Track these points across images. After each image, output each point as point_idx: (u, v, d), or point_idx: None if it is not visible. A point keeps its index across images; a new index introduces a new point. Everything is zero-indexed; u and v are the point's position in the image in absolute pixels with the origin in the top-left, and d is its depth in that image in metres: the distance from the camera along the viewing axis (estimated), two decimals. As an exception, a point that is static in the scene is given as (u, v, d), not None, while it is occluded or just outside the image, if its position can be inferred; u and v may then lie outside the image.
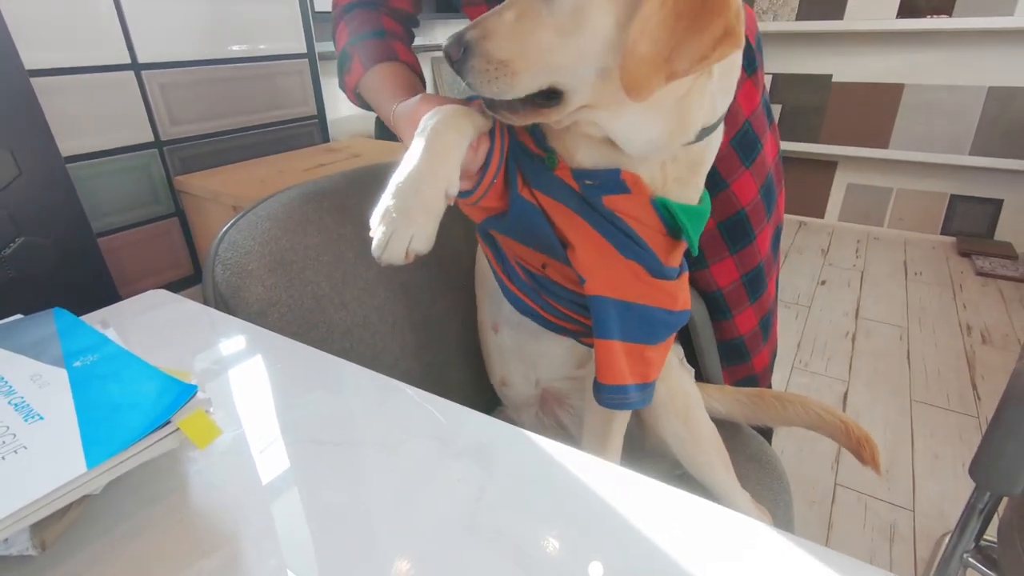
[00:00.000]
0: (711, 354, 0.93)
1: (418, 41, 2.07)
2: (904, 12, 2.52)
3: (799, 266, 2.49)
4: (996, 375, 1.73)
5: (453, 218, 0.64)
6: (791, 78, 2.86)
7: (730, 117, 0.75)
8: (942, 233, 2.76)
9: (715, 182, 0.80)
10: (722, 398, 0.83)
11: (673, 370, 0.75)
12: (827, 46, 2.75)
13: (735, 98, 0.68)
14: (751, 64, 0.77)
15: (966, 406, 1.60)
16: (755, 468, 0.80)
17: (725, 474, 0.70)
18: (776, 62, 2.88)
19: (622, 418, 0.68)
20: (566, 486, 0.35)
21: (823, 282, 2.34)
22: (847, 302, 2.18)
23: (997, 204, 2.64)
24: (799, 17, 2.72)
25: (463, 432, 0.39)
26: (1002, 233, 2.65)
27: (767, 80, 2.82)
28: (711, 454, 0.70)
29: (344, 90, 0.76)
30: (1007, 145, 2.50)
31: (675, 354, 0.80)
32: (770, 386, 1.06)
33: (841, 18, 2.63)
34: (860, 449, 0.75)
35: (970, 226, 2.70)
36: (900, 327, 2.00)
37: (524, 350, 0.73)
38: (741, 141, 0.81)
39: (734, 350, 0.95)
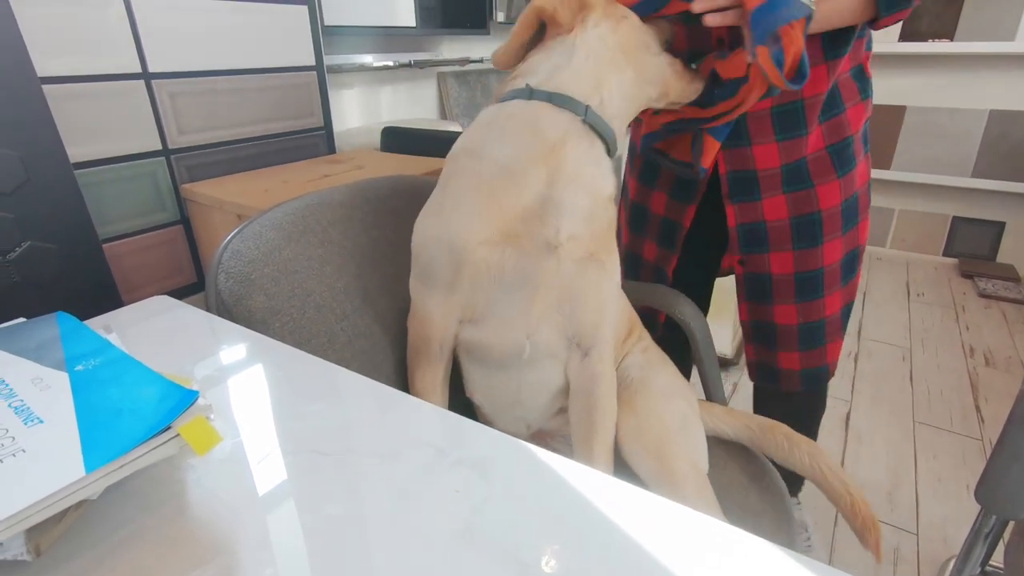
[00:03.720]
0: (713, 373, 0.93)
1: (424, 56, 2.09)
2: (906, 36, 2.55)
3: (801, 285, 2.48)
4: (999, 397, 1.72)
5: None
6: (794, 98, 2.88)
7: (836, 128, 0.83)
8: (944, 255, 2.76)
9: (802, 179, 0.85)
10: (731, 421, 0.83)
11: (650, 398, 0.74)
12: (829, 68, 2.77)
13: (844, 111, 0.82)
14: (865, 90, 0.85)
15: (969, 428, 1.59)
16: (757, 489, 0.79)
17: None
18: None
19: (603, 431, 0.67)
20: (566, 498, 0.35)
21: (825, 301, 2.34)
22: (849, 322, 2.18)
23: (999, 226, 2.64)
24: (802, 39, 2.75)
25: (463, 443, 0.39)
26: (1004, 255, 2.65)
27: (770, 100, 2.85)
28: (686, 491, 0.67)
29: None
30: (1009, 168, 2.51)
31: (662, 379, 0.79)
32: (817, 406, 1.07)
33: (843, 41, 2.66)
34: (864, 531, 0.72)
35: (972, 248, 2.70)
36: (903, 348, 1.99)
37: (501, 402, 0.73)
38: (840, 153, 0.84)
39: (766, 333, 0.97)
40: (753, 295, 0.95)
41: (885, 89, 2.68)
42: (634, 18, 0.69)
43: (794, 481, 1.11)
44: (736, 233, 0.91)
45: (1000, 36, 2.38)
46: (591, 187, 0.62)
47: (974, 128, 2.54)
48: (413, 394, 0.62)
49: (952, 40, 2.46)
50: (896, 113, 2.68)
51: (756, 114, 0.81)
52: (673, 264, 1.01)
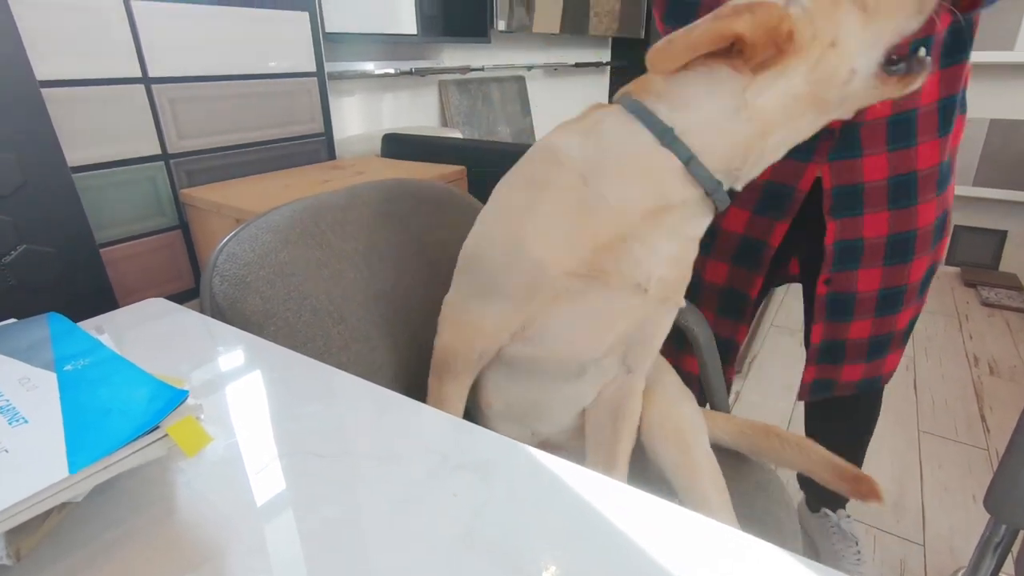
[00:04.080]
0: (717, 380, 0.91)
1: (426, 64, 2.10)
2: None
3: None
4: (1005, 407, 1.70)
5: (464, 232, 0.64)
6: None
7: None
8: (947, 263, 2.75)
9: (908, 194, 0.81)
10: (730, 428, 0.81)
11: (668, 393, 0.74)
12: (829, 77, 2.79)
13: (951, 132, 0.78)
14: (963, 105, 0.81)
15: (975, 438, 1.57)
16: (763, 498, 0.77)
17: (721, 512, 0.68)
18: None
19: (628, 440, 0.67)
20: (568, 502, 0.33)
21: (827, 310, 2.33)
22: (852, 330, 2.17)
23: (1001, 235, 2.63)
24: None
25: (463, 446, 0.38)
26: (1007, 264, 2.64)
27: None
28: (705, 484, 0.67)
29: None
30: (1011, 177, 2.51)
31: (672, 379, 0.78)
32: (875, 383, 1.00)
33: (843, 50, 2.67)
34: (857, 485, 0.72)
35: (975, 257, 2.69)
36: (907, 357, 1.98)
37: (522, 412, 0.71)
38: (944, 170, 0.81)
39: (835, 351, 0.93)
40: (834, 314, 0.90)
41: (885, 98, 2.69)
42: (848, 41, 0.51)
43: (837, 497, 1.05)
44: (832, 251, 0.85)
45: (999, 46, 2.38)
46: (687, 235, 0.58)
47: (975, 137, 2.54)
48: (431, 403, 0.59)
49: (951, 50, 2.47)
50: (896, 122, 2.69)
51: (872, 122, 0.76)
52: (758, 286, 0.92)
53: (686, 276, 0.61)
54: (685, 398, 0.76)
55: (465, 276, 0.63)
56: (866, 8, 0.51)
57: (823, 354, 0.94)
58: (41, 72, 0.84)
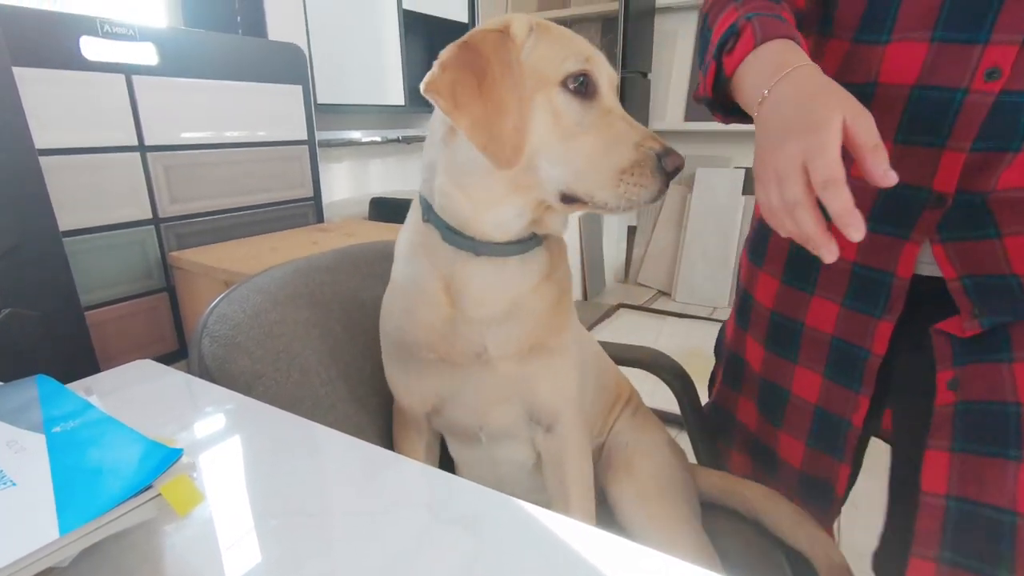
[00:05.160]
0: (703, 434, 0.92)
1: (412, 132, 2.19)
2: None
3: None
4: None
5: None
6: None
7: None
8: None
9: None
10: (723, 486, 0.81)
11: (647, 458, 0.73)
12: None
13: None
14: None
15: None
16: (755, 533, 0.77)
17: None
18: (748, 157, 3.07)
19: (577, 497, 0.66)
20: (558, 553, 0.34)
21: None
22: (833, 385, 2.18)
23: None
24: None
25: (451, 500, 0.38)
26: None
27: (741, 173, 3.00)
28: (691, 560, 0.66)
29: (705, 83, 0.58)
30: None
31: (658, 435, 0.79)
32: None
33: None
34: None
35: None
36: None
37: (478, 473, 0.73)
38: None
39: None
40: (970, 440, 0.54)
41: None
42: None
43: None
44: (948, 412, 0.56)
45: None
46: (507, 291, 0.58)
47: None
48: (396, 452, 0.61)
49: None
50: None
51: (1010, 193, 0.53)
52: (861, 409, 0.66)
53: (548, 321, 0.60)
54: (669, 455, 0.76)
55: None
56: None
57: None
58: (41, 141, 0.87)
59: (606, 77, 0.54)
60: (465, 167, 0.54)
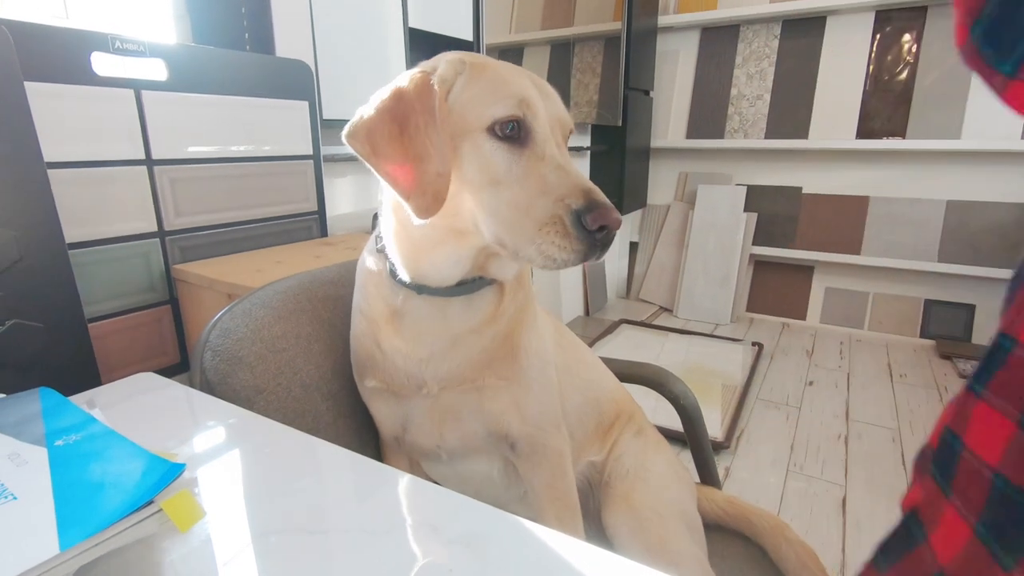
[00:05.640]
0: (706, 453, 0.91)
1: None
2: (862, 134, 2.77)
3: (785, 367, 2.50)
4: (993, 480, 1.69)
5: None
6: (763, 189, 3.06)
7: None
8: (922, 336, 2.82)
9: None
10: (732, 511, 0.81)
11: (649, 490, 0.72)
12: (795, 161, 2.98)
13: None
14: None
15: (967, 513, 1.55)
16: (761, 556, 0.76)
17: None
18: (749, 175, 3.09)
19: (553, 518, 0.66)
20: (562, 574, 0.33)
21: (810, 383, 2.35)
22: (836, 403, 2.17)
23: (971, 309, 2.73)
24: (767, 136, 2.97)
25: (454, 518, 0.38)
26: (979, 337, 2.71)
27: (742, 190, 3.01)
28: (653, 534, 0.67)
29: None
30: (972, 253, 2.64)
31: (662, 460, 0.78)
32: None
33: (806, 137, 2.87)
34: None
35: (948, 330, 2.77)
36: (891, 429, 1.98)
37: (460, 489, 0.73)
38: None
39: None
40: None
41: (848, 181, 2.87)
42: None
43: None
44: None
45: (947, 135, 2.59)
46: (448, 329, 0.58)
47: (934, 216, 2.70)
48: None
49: (904, 137, 2.67)
50: (860, 203, 2.84)
51: None
52: None
53: (481, 362, 0.59)
54: (672, 483, 0.76)
55: None
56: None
57: None
58: (50, 154, 0.88)
59: (543, 123, 0.51)
60: (406, 210, 0.52)
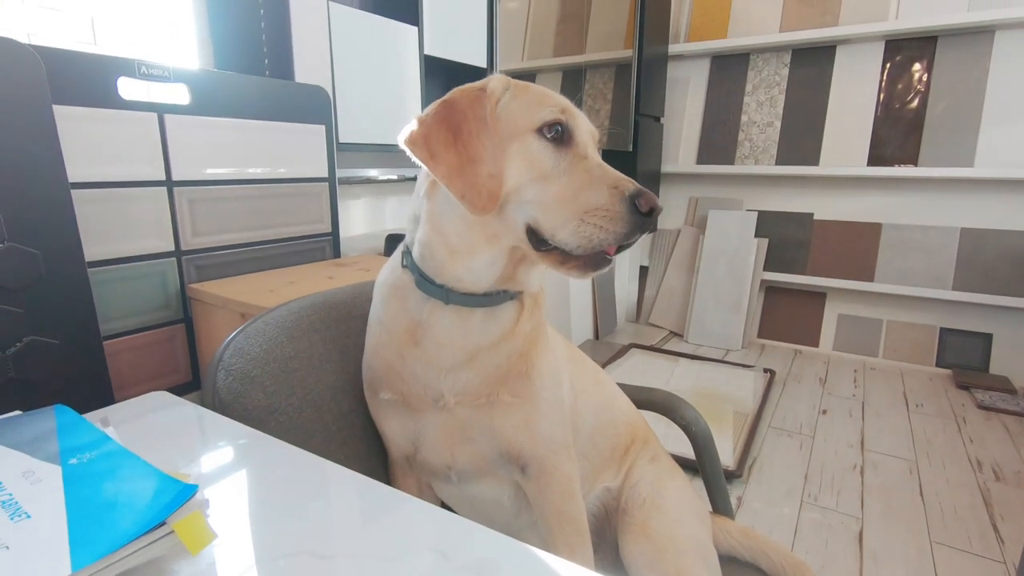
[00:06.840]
0: (718, 481, 0.90)
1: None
2: (873, 161, 2.77)
3: (798, 394, 2.46)
4: (1015, 516, 1.64)
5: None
6: (774, 215, 3.05)
7: None
8: (937, 365, 2.77)
9: None
10: (748, 544, 0.80)
11: (665, 520, 0.72)
12: (806, 188, 2.97)
13: None
14: None
15: (990, 550, 1.50)
16: None
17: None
18: (760, 200, 3.09)
19: (561, 542, 0.65)
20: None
21: (824, 411, 2.31)
22: (851, 433, 2.13)
23: (987, 338, 2.68)
24: (778, 162, 2.98)
25: (464, 544, 0.37)
26: (996, 367, 2.66)
27: (753, 216, 3.01)
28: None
29: None
30: (988, 282, 2.61)
31: (677, 488, 0.77)
32: None
33: (817, 164, 2.88)
34: None
35: (964, 359, 2.72)
36: (908, 460, 1.94)
37: (468, 512, 0.72)
38: None
39: None
40: None
41: (860, 208, 2.86)
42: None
43: None
44: None
45: (960, 163, 2.58)
46: (469, 341, 0.60)
47: (948, 244, 2.67)
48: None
49: (916, 165, 2.67)
50: (873, 230, 2.83)
51: None
52: None
53: (497, 378, 0.61)
54: (688, 514, 0.74)
55: None
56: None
57: None
58: (74, 175, 0.91)
59: (583, 128, 0.57)
60: (444, 217, 0.58)
